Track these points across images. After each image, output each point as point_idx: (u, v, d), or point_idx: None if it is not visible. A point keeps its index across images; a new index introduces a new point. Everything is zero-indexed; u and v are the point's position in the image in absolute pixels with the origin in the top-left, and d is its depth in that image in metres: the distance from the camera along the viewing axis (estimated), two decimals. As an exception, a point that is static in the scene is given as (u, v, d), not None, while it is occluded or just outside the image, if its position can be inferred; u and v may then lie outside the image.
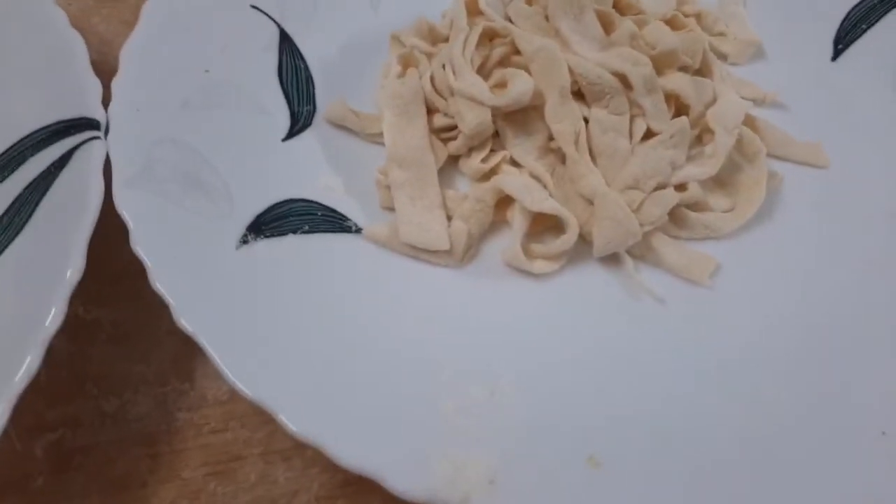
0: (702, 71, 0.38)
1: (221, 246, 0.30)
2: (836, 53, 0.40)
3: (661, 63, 0.36)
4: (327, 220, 0.33)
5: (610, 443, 0.27)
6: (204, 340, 0.26)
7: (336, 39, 0.40)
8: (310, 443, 0.24)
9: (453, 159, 0.36)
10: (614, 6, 0.37)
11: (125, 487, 0.28)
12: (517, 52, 0.36)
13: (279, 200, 0.33)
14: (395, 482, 0.24)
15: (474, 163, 0.35)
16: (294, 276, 0.30)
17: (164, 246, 0.29)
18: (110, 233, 0.29)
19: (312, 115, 0.37)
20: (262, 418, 0.30)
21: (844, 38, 0.40)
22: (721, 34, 0.41)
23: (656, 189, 0.33)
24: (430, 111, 0.36)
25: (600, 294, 0.32)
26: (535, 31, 0.36)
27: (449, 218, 0.33)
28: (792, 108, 0.39)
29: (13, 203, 0.30)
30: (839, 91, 0.39)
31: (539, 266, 0.32)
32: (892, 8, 0.40)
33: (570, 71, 0.34)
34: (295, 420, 0.25)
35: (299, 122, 0.36)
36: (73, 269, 0.27)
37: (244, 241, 0.30)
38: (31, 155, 0.31)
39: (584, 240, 0.33)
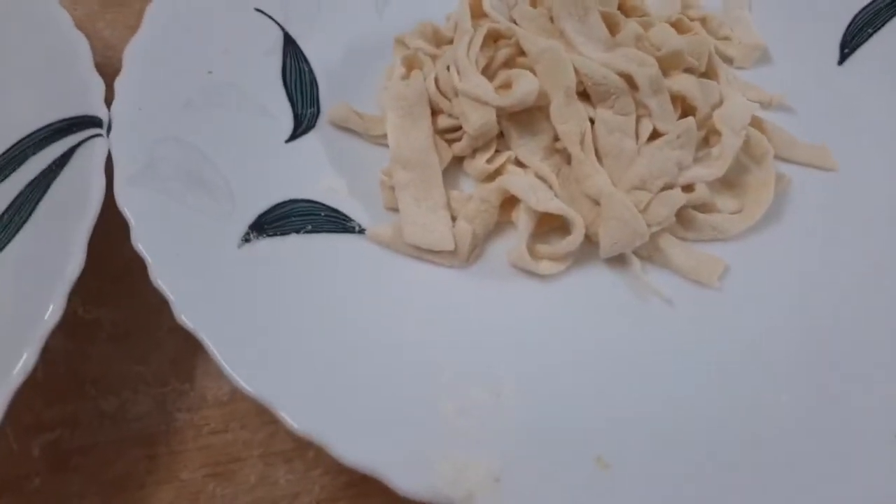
0: (707, 74, 0.38)
1: (223, 244, 0.30)
2: (843, 57, 0.40)
3: (667, 64, 0.35)
4: (330, 221, 0.33)
5: (616, 444, 0.26)
6: (204, 337, 0.26)
7: (340, 43, 0.40)
8: (311, 440, 0.24)
9: (458, 160, 0.35)
10: (619, 8, 0.37)
11: (123, 488, 0.28)
12: (522, 53, 0.36)
13: (282, 200, 0.32)
14: (397, 480, 0.23)
15: (479, 163, 0.34)
16: (296, 275, 0.30)
17: (165, 243, 0.28)
18: (111, 233, 0.29)
19: (316, 118, 0.37)
20: (262, 419, 0.29)
21: (850, 41, 0.40)
22: (726, 38, 0.41)
23: (663, 190, 0.33)
24: (435, 112, 0.35)
25: (606, 295, 0.32)
26: (539, 33, 0.36)
27: (453, 218, 0.33)
28: (798, 112, 0.39)
29: (15, 200, 0.30)
30: (846, 94, 0.39)
31: (545, 267, 0.32)
32: (899, 11, 0.40)
33: (576, 71, 0.34)
34: (296, 417, 0.24)
35: (303, 123, 0.36)
36: (72, 265, 0.27)
37: (246, 239, 0.30)
38: (34, 153, 0.31)
39: (590, 241, 0.33)
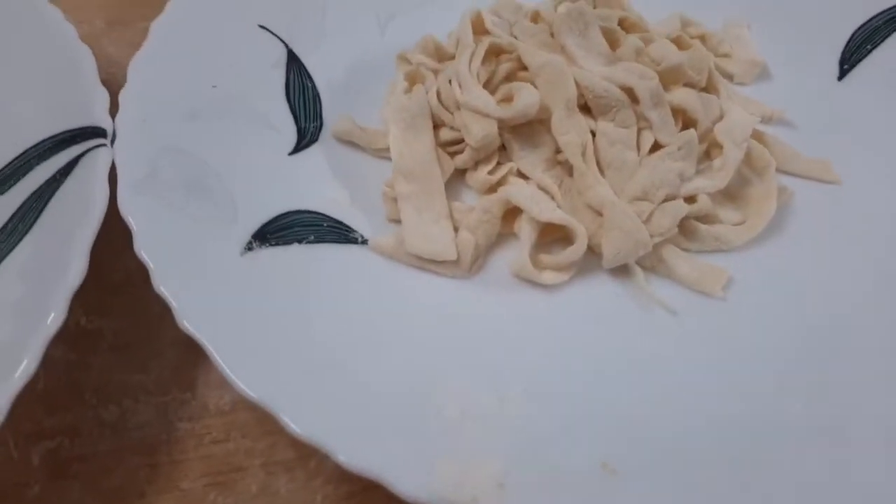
0: (707, 89, 0.38)
1: (226, 252, 0.30)
2: (842, 73, 0.40)
3: (667, 79, 0.36)
4: (333, 231, 0.33)
5: (621, 449, 0.26)
6: (206, 343, 0.26)
7: (343, 60, 0.40)
8: (313, 444, 0.23)
9: (459, 173, 0.36)
10: (619, 25, 0.38)
11: (123, 497, 0.27)
12: (523, 68, 0.36)
13: (285, 211, 0.32)
14: (400, 484, 0.23)
15: (481, 175, 0.34)
16: (299, 284, 0.30)
17: (167, 250, 0.28)
18: (113, 245, 0.29)
19: (319, 131, 0.37)
20: (264, 429, 0.29)
21: (850, 58, 0.41)
22: (726, 55, 0.41)
23: (665, 201, 0.33)
24: (437, 125, 0.36)
25: (609, 305, 0.32)
26: (540, 48, 0.36)
27: (456, 229, 0.33)
28: (799, 126, 0.39)
29: (19, 209, 0.30)
30: (846, 110, 0.39)
31: (548, 277, 0.32)
32: (897, 29, 0.40)
33: (577, 84, 0.34)
34: (298, 422, 0.24)
35: (306, 137, 0.36)
36: (75, 271, 0.27)
37: (249, 248, 0.30)
38: (38, 163, 0.31)
39: (592, 251, 0.33)
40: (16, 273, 0.29)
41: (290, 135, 0.36)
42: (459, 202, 0.34)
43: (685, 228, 0.33)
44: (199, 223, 0.30)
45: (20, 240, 0.29)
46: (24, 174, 0.31)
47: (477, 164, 0.35)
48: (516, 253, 0.33)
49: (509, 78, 0.36)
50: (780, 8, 0.43)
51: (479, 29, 0.38)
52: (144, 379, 0.30)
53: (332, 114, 0.38)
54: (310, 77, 0.39)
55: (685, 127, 0.35)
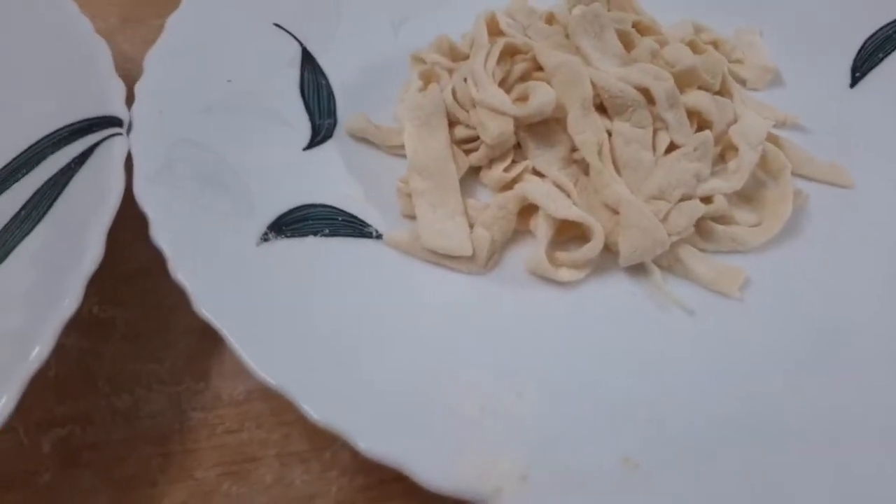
0: (721, 93, 0.38)
1: (242, 242, 0.29)
2: (854, 81, 0.40)
3: (682, 81, 0.36)
4: (348, 225, 0.32)
5: (642, 445, 0.26)
6: (224, 329, 0.25)
7: (356, 59, 0.40)
8: (333, 431, 0.23)
9: (473, 171, 0.35)
10: (632, 28, 0.38)
11: (135, 486, 0.27)
12: (538, 68, 0.36)
13: (300, 204, 0.32)
14: (423, 473, 0.23)
15: (496, 173, 0.34)
16: (316, 274, 0.29)
17: (183, 238, 0.28)
18: (126, 235, 0.29)
19: (333, 128, 0.37)
20: (278, 419, 0.28)
21: (861, 66, 0.41)
22: (738, 61, 0.42)
23: (681, 201, 0.33)
24: (452, 123, 0.36)
25: (625, 303, 0.32)
26: (555, 50, 0.36)
27: (470, 226, 0.33)
28: (811, 132, 0.39)
29: (32, 196, 0.30)
30: (858, 117, 0.39)
31: (564, 274, 0.32)
32: (909, 37, 0.41)
33: (593, 84, 0.34)
34: (318, 409, 0.24)
35: (320, 133, 0.36)
36: (90, 257, 0.27)
37: (265, 238, 0.30)
38: (52, 152, 0.31)
39: (608, 250, 0.32)
40: (29, 260, 0.28)
41: (304, 131, 0.36)
42: (474, 199, 0.34)
43: (701, 229, 0.33)
44: (214, 213, 0.30)
45: (34, 227, 0.29)
46: (38, 162, 0.31)
47: (491, 162, 0.35)
48: (532, 250, 0.32)
49: (524, 78, 0.36)
50: (792, 16, 0.43)
51: (494, 30, 0.38)
52: (157, 368, 0.30)
53: (346, 112, 0.37)
54: (324, 75, 0.39)
55: (700, 129, 0.35)
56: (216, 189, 0.31)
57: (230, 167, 0.32)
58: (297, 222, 0.31)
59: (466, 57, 0.38)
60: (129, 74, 0.38)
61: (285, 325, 0.27)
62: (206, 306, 0.26)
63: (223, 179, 0.32)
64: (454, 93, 0.36)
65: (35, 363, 0.25)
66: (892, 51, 0.41)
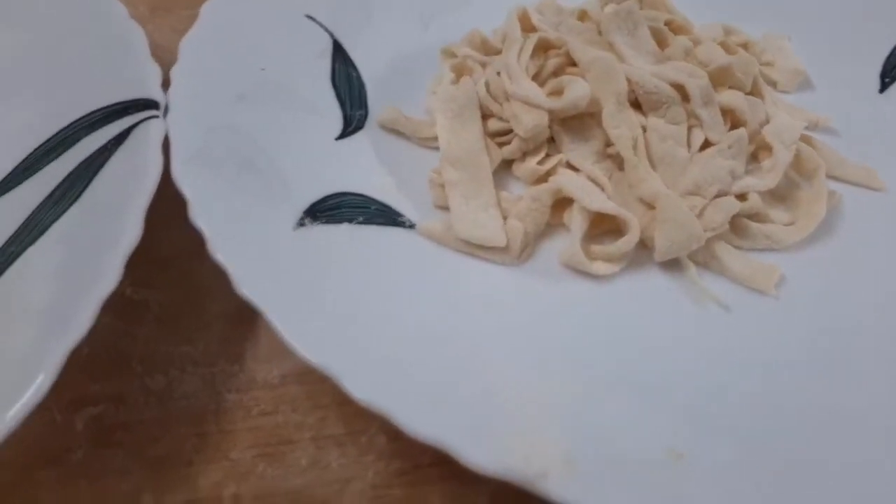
0: (753, 94, 0.38)
1: (279, 225, 0.29)
2: (884, 86, 0.40)
3: (716, 80, 0.36)
4: (381, 214, 0.32)
5: (685, 435, 0.25)
6: (265, 308, 0.25)
7: (386, 53, 0.40)
8: (375, 410, 0.23)
9: (506, 165, 0.35)
10: (666, 26, 0.38)
11: (169, 465, 0.27)
12: (571, 63, 0.36)
13: (333, 192, 0.32)
14: (467, 454, 0.22)
15: (530, 165, 0.34)
16: (352, 259, 0.29)
17: (222, 220, 0.28)
18: (160, 219, 0.29)
19: (365, 119, 0.37)
20: (313, 403, 0.28)
21: (891, 71, 0.41)
22: (768, 64, 0.42)
23: (716, 197, 0.33)
24: (484, 116, 0.35)
25: (660, 298, 0.31)
26: (588, 46, 0.36)
27: (503, 218, 0.33)
28: (842, 135, 0.39)
29: (67, 177, 0.30)
30: (888, 121, 0.39)
31: (599, 267, 0.31)
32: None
33: (627, 80, 0.34)
34: (359, 388, 0.23)
35: (352, 123, 0.36)
36: (129, 236, 0.26)
37: (301, 223, 0.30)
38: (87, 134, 0.31)
39: (644, 245, 0.32)
40: (64, 239, 0.28)
41: (335, 121, 0.36)
42: (507, 192, 0.34)
43: (736, 226, 0.33)
44: (252, 197, 0.30)
45: (68, 207, 0.29)
46: (73, 143, 0.31)
47: (525, 155, 0.35)
48: (566, 243, 0.32)
49: (557, 73, 0.36)
50: (819, 24, 0.43)
51: (526, 26, 0.38)
52: (191, 350, 0.30)
53: (376, 104, 0.37)
54: (355, 67, 0.39)
55: (733, 128, 0.35)
56: (252, 174, 0.31)
57: (265, 153, 0.32)
58: (331, 209, 0.31)
59: (498, 52, 0.38)
60: (160, 62, 0.38)
61: (325, 306, 0.26)
62: (247, 286, 0.26)
63: (258, 165, 0.31)
64: (487, 86, 0.36)
65: (72, 341, 0.24)
66: (922, 57, 0.41)
